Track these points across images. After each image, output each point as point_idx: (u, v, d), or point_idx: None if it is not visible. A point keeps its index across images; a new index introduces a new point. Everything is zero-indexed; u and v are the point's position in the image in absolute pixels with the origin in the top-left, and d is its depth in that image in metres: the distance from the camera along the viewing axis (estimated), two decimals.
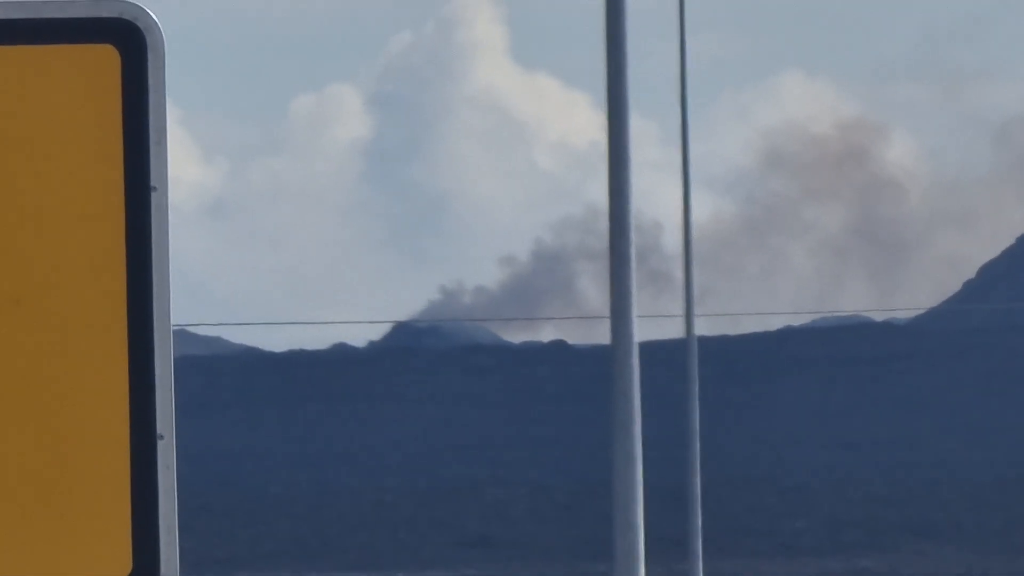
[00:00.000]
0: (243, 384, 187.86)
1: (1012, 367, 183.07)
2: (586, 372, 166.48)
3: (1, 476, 2.90)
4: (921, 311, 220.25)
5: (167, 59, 3.02)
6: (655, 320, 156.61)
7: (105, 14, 2.99)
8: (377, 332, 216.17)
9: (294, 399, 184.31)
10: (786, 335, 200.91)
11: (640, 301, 20.02)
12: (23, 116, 2.96)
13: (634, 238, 19.77)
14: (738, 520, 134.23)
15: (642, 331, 21.01)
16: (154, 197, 2.99)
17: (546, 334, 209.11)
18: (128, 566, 2.96)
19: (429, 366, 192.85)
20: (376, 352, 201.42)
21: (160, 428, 2.97)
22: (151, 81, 3.00)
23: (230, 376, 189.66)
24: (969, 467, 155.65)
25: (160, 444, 2.97)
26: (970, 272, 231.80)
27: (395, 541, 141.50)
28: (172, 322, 3.04)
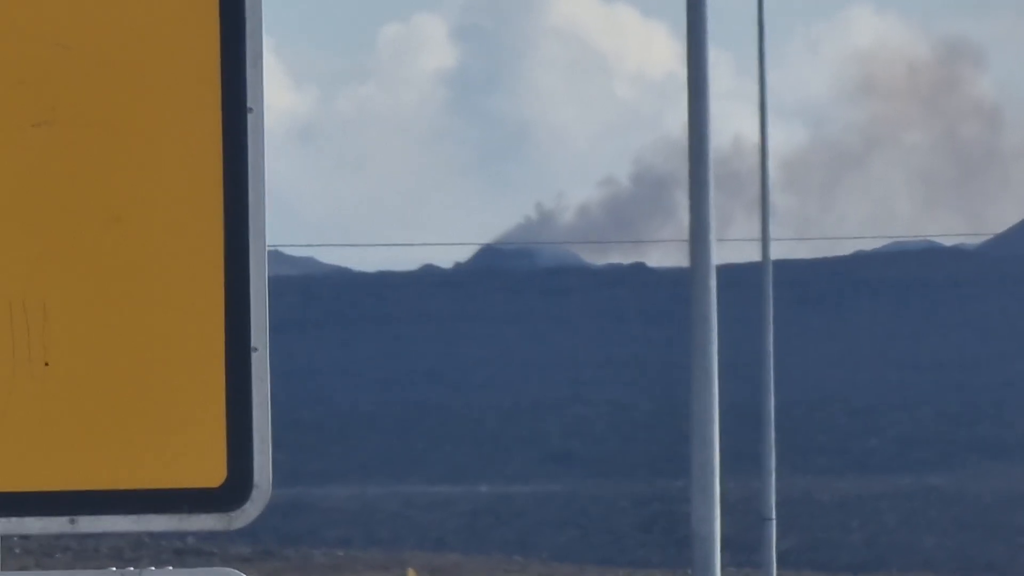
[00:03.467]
0: (334, 304, 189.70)
1: None
2: (666, 294, 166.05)
3: (101, 387, 2.90)
4: (990, 236, 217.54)
5: None
6: (734, 244, 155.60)
7: None
8: (463, 254, 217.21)
9: (383, 318, 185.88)
10: (858, 259, 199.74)
11: (738, 225, 19.86)
12: (125, 38, 2.95)
13: (712, 164, 19.60)
14: (810, 438, 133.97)
15: (721, 254, 20.83)
16: (250, 118, 3.00)
17: (627, 257, 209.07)
18: (223, 475, 2.96)
19: (513, 287, 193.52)
20: (462, 274, 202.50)
21: (254, 340, 2.97)
22: (248, 4, 2.98)
23: (322, 296, 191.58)
24: None
25: (254, 356, 2.97)
26: None
27: (480, 456, 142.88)
28: (266, 241, 3.03)
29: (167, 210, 2.95)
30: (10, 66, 2.90)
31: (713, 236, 19.55)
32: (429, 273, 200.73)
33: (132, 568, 3.04)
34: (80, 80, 2.93)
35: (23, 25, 2.89)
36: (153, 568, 3.06)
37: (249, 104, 3.00)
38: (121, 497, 2.94)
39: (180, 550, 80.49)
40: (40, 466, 2.90)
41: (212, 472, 2.96)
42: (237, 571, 2.99)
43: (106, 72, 2.94)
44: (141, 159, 2.94)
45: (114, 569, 3.06)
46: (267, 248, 3.01)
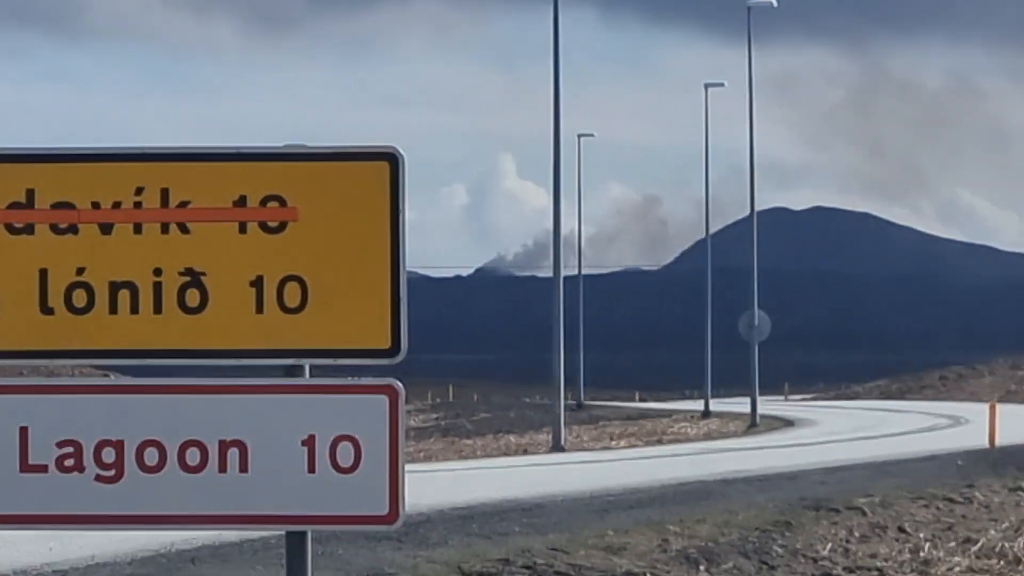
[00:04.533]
0: None
1: None
2: None
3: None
4: None
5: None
6: None
7: (382, 149, 5.43)
8: None
9: None
10: None
11: None
12: (334, 203, 5.35)
13: None
14: None
15: None
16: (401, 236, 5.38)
17: None
18: (389, 341, 5.32)
19: None
20: None
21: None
22: (400, 182, 5.38)
23: None
24: None
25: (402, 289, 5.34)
26: None
27: None
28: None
29: None
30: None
31: None
32: None
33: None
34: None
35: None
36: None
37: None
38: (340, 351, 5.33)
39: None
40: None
41: (383, 338, 5.34)
42: (398, 382, 5.30)
43: (321, 212, 5.36)
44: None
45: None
46: None
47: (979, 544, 15.68)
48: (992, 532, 16.66)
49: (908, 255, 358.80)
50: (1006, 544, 15.69)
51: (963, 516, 18.03)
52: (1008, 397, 68.13)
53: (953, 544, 15.68)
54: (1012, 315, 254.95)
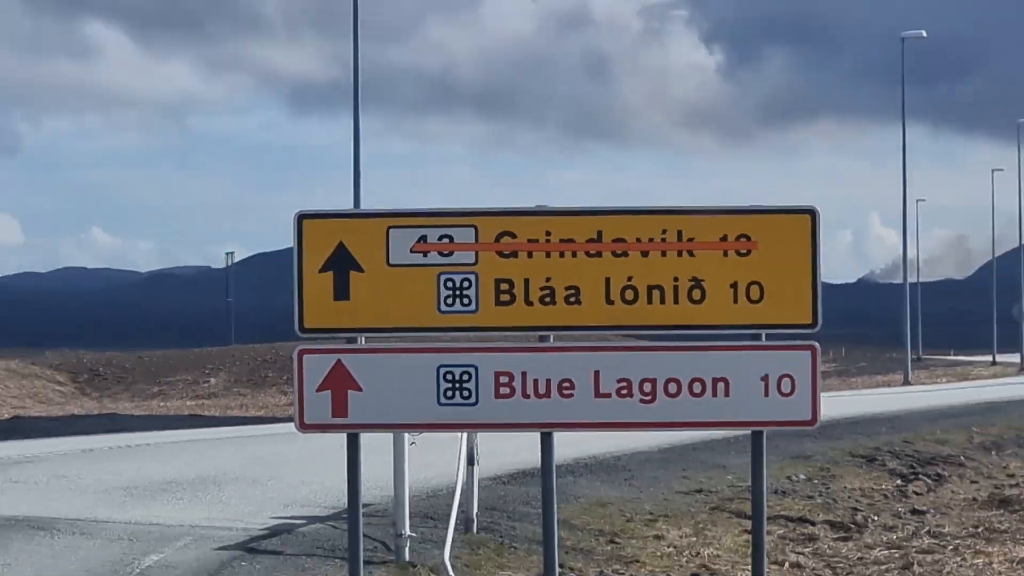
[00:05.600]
0: None
1: None
2: None
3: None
4: None
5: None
6: None
7: (806, 208, 9.01)
8: None
9: None
10: None
11: None
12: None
13: None
14: None
15: None
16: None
17: None
18: (811, 318, 8.94)
19: None
20: None
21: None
22: (817, 227, 8.97)
23: None
24: None
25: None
26: None
27: None
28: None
29: None
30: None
31: None
32: None
33: None
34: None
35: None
36: None
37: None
38: (783, 326, 8.96)
39: None
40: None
41: (807, 317, 8.96)
42: (816, 343, 8.94)
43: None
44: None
45: None
46: None
47: None
48: None
49: None
50: None
51: None
52: None
53: None
54: None
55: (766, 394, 8.95)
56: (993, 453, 23.99)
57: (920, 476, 20.22)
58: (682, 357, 9.09)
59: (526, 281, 8.97)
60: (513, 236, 9.00)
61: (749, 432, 9.28)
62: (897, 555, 13.15)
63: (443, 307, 8.94)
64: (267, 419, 37.48)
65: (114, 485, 15.07)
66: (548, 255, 8.99)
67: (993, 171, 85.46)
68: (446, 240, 8.97)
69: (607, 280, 9.03)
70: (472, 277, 8.95)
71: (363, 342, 9.09)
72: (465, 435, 11.42)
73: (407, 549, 10.74)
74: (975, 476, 21.06)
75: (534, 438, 9.20)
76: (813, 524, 15.11)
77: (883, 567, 12.50)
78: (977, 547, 13.39)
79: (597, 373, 9.03)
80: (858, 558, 13.07)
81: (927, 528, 15.07)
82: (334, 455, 11.74)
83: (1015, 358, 75.46)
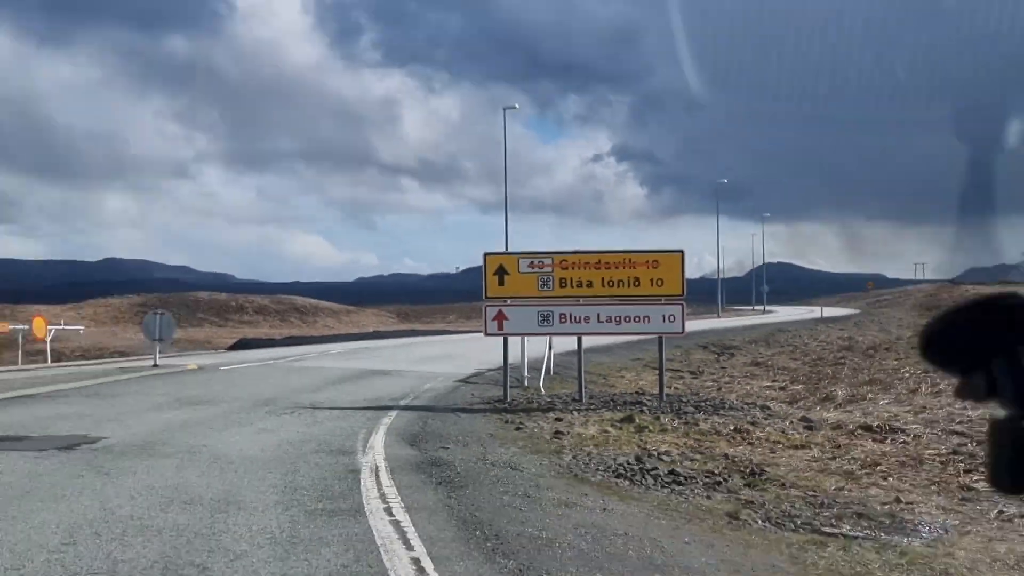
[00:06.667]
0: None
1: None
2: None
3: None
4: None
5: None
6: None
7: (680, 249, 23.18)
8: None
9: None
10: None
11: None
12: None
13: None
14: None
15: None
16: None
17: None
18: (680, 292, 23.04)
19: None
20: None
21: None
22: (684, 258, 22.98)
23: None
24: None
25: None
26: None
27: None
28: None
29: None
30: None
31: None
32: None
33: None
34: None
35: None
36: None
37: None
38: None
39: None
40: None
41: (679, 290, 23.03)
42: None
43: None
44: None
45: None
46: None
47: None
48: None
49: None
50: None
51: None
52: None
53: None
54: None
55: (663, 321, 22.96)
56: (752, 345, 50.55)
57: (724, 353, 44.05)
58: (632, 308, 23.13)
59: (571, 278, 23.11)
60: (565, 259, 23.13)
61: (657, 336, 23.48)
62: (713, 383, 28.36)
63: (540, 289, 23.13)
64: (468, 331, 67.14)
65: (410, 357, 33.64)
66: (579, 267, 23.13)
67: None
68: (540, 261, 23.15)
69: (602, 278, 23.13)
70: (551, 277, 23.11)
71: (509, 303, 23.33)
72: (548, 337, 25.88)
73: (525, 380, 25.52)
74: (745, 354, 43.35)
75: (574, 339, 23.59)
76: (681, 372, 30.73)
77: (709, 388, 27.17)
78: (747, 380, 28.87)
79: (599, 314, 23.14)
80: (700, 384, 28.03)
81: (727, 373, 30.93)
82: (494, 346, 26.34)
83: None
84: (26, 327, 46.03)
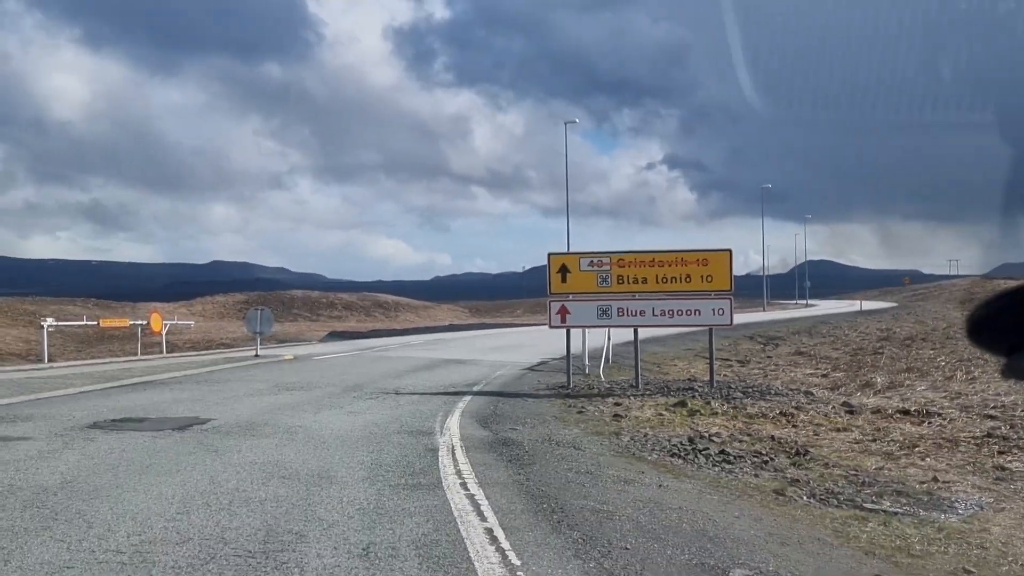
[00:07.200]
0: None
1: None
2: None
3: None
4: None
5: None
6: None
7: (728, 248, 22.87)
8: None
9: None
10: None
11: None
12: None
13: None
14: None
15: None
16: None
17: None
18: (729, 287, 22.81)
19: None
20: None
21: None
22: (732, 256, 22.65)
23: None
24: None
25: None
26: None
27: None
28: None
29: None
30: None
31: None
32: None
33: None
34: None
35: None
36: None
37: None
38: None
39: None
40: None
41: (728, 286, 22.78)
42: None
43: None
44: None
45: None
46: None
47: None
48: None
49: None
50: None
51: None
52: None
53: None
54: None
55: (713, 314, 22.73)
56: (796, 335, 50.73)
57: (770, 343, 41.99)
58: (684, 302, 22.91)
59: (627, 275, 22.93)
60: (623, 258, 22.95)
61: (708, 328, 23.22)
62: (760, 370, 27.87)
63: (599, 285, 22.97)
64: (533, 324, 68.30)
65: (481, 347, 33.85)
66: (635, 265, 22.94)
67: None
68: (600, 260, 22.99)
69: (656, 275, 22.92)
70: (609, 274, 22.94)
71: (571, 299, 23.19)
72: (607, 329, 25.70)
73: (586, 368, 25.40)
74: (790, 344, 42.95)
75: (630, 331, 23.40)
76: (729, 361, 30.14)
77: (756, 375, 26.82)
78: (791, 368, 28.32)
79: (653, 308, 22.96)
80: (748, 372, 27.62)
81: (772, 361, 30.42)
82: (558, 338, 26.24)
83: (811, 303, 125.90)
84: (144, 322, 46.79)
